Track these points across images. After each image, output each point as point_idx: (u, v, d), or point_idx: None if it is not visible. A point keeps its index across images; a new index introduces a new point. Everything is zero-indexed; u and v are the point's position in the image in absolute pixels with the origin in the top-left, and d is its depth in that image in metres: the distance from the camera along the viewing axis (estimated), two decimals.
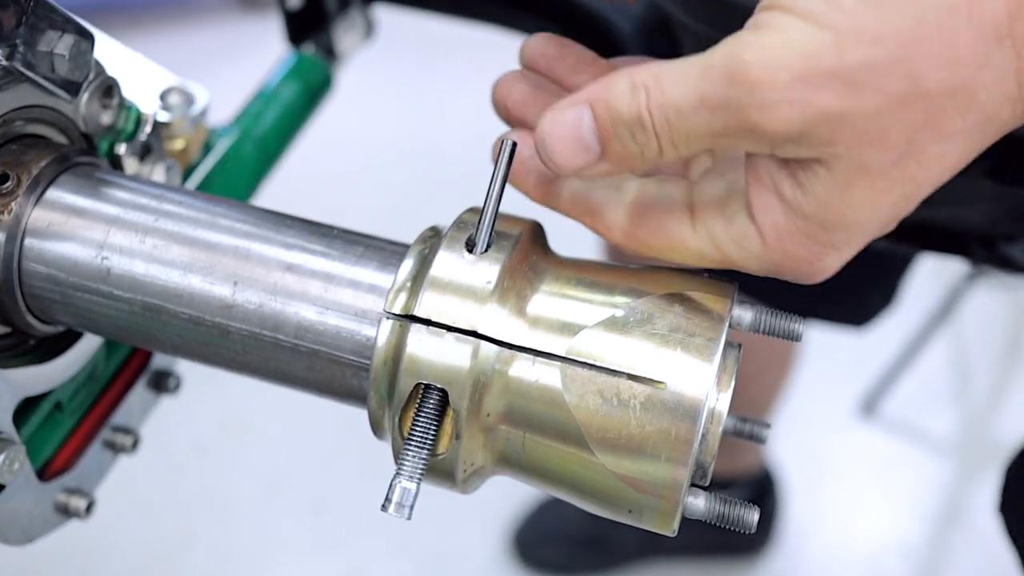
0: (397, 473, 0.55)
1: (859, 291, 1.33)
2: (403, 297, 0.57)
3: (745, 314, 0.58)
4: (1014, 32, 0.45)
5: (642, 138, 0.50)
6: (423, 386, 0.55)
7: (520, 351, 0.56)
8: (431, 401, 0.55)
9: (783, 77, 0.45)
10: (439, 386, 0.55)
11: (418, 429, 0.55)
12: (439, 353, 0.55)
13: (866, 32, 0.45)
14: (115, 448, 0.80)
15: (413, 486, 0.54)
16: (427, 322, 0.56)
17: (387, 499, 0.54)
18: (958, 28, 0.45)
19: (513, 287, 0.57)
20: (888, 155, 0.47)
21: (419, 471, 0.55)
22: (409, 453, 0.55)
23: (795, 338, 0.58)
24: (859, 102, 0.45)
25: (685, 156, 0.51)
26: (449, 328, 0.55)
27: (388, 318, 0.57)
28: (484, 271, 0.56)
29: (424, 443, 0.55)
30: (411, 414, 0.56)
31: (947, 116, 0.46)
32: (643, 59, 0.55)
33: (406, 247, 0.61)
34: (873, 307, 1.37)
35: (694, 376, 0.54)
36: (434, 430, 0.55)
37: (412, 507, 0.54)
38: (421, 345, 0.55)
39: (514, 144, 0.57)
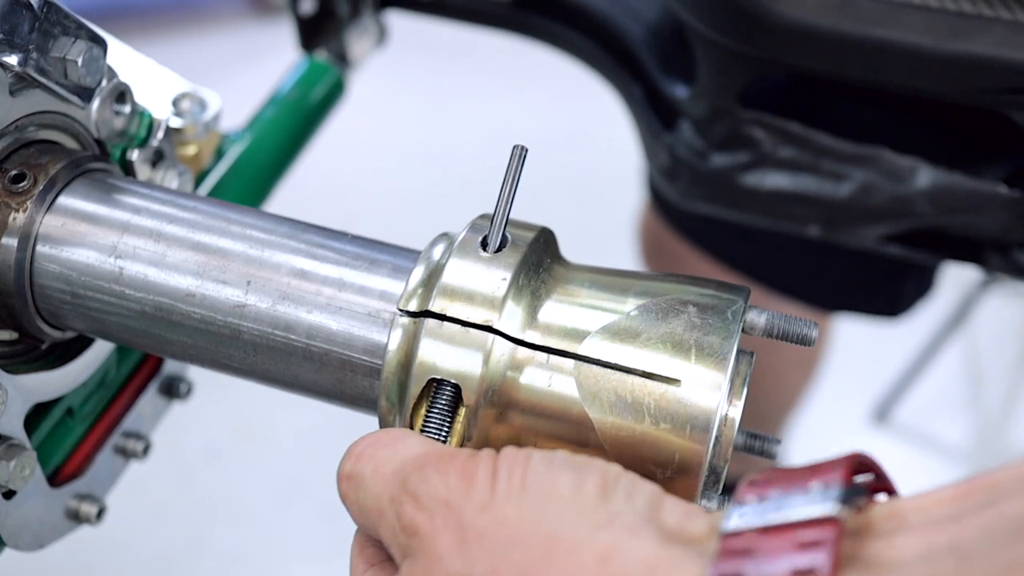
0: None
1: (893, 282, 1.32)
2: (417, 297, 0.57)
3: (758, 319, 0.57)
4: None
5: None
6: (435, 383, 0.55)
7: (534, 348, 0.56)
8: (443, 397, 0.55)
9: None
10: (452, 381, 0.55)
11: (431, 424, 0.55)
12: (453, 347, 0.55)
13: None
14: (126, 454, 0.80)
15: None
16: (442, 317, 0.55)
17: None
18: (550, 562, 0.44)
19: (528, 286, 0.57)
20: None
21: None
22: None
23: (808, 343, 0.58)
24: (448, 560, 0.46)
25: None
26: (463, 323, 0.55)
27: (402, 315, 0.57)
28: (499, 269, 0.56)
29: (436, 440, 0.54)
30: (423, 411, 0.56)
31: None
32: None
33: (418, 253, 0.61)
34: (908, 297, 1.36)
35: (707, 380, 0.54)
36: (447, 426, 0.55)
37: None
38: (435, 340, 0.55)
39: (525, 148, 0.57)
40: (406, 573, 0.48)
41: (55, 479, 0.74)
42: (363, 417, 0.65)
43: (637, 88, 1.03)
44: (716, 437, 0.54)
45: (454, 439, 0.55)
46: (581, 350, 0.55)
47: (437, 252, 0.59)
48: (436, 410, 0.55)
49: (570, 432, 0.55)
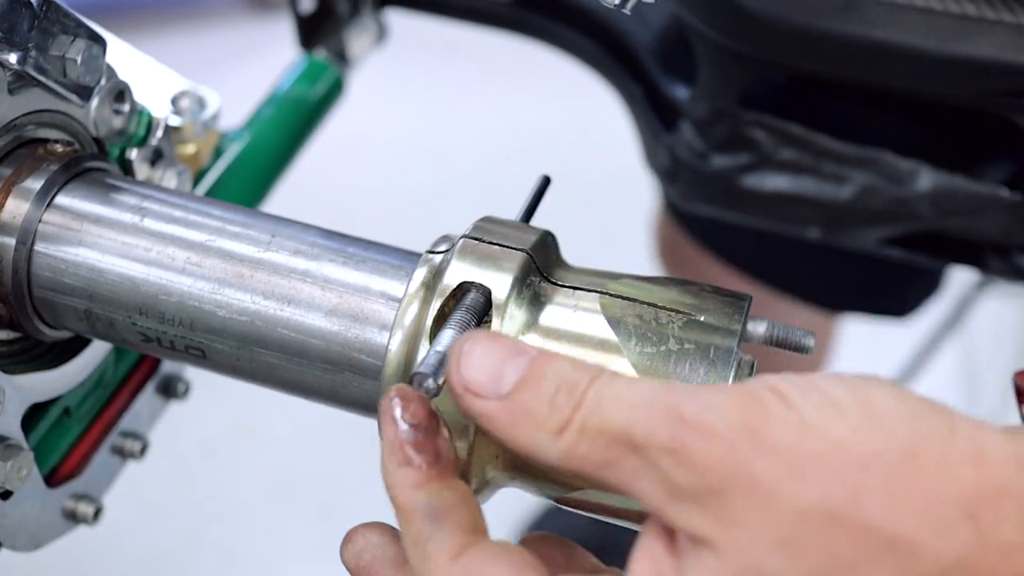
0: (432, 344, 0.52)
1: (901, 282, 1.33)
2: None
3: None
4: (981, 516, 0.41)
5: (561, 401, 0.46)
6: (464, 288, 0.55)
7: (560, 286, 0.57)
8: (471, 299, 0.55)
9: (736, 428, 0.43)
10: (483, 285, 0.55)
11: (455, 319, 0.54)
12: (486, 261, 0.56)
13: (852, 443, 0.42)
14: (123, 454, 0.80)
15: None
16: (477, 240, 0.57)
17: (422, 362, 0.51)
18: (921, 475, 0.41)
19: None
20: (791, 570, 0.41)
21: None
22: (448, 330, 0.53)
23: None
24: (793, 486, 0.41)
25: (571, 462, 0.46)
26: (500, 245, 0.57)
27: (432, 254, 0.59)
28: (525, 230, 0.58)
29: (463, 326, 0.53)
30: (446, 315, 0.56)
31: (877, 565, 0.41)
32: None
33: (418, 255, 0.61)
34: (915, 297, 1.36)
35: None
36: (473, 325, 0.54)
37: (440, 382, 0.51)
38: (468, 257, 0.56)
39: (549, 179, 0.61)
40: (716, 524, 0.42)
41: (52, 479, 0.74)
42: (359, 417, 0.65)
43: (637, 88, 1.03)
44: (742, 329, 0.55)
45: None
46: (605, 289, 0.57)
47: (438, 255, 0.59)
48: (464, 308, 0.54)
49: (594, 351, 0.55)
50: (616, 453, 0.44)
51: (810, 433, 0.42)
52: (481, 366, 0.47)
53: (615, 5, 0.65)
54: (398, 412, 0.49)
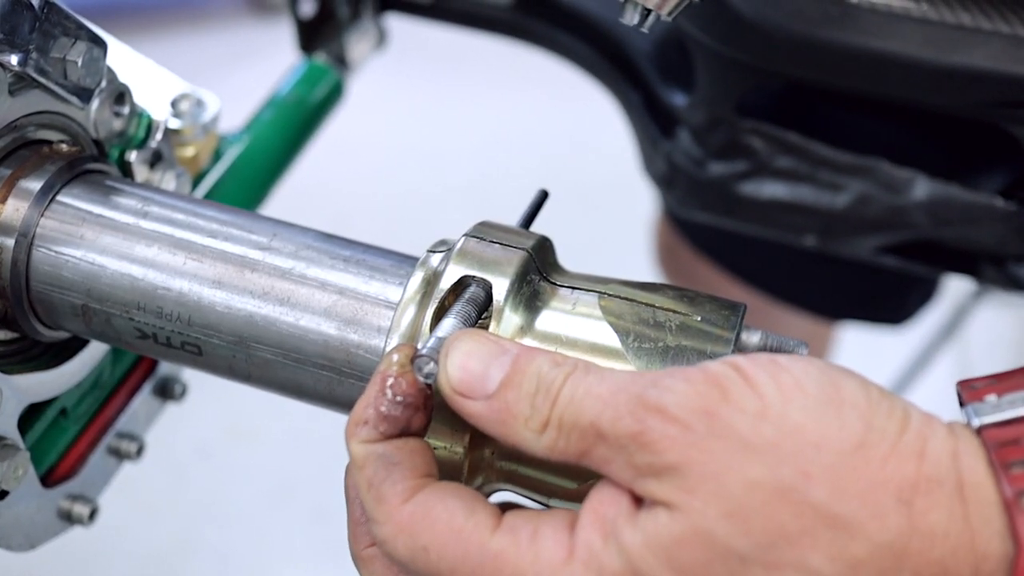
0: (434, 331, 0.52)
1: (898, 290, 1.33)
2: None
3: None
4: (914, 503, 0.44)
5: (539, 400, 0.48)
6: (465, 282, 0.56)
7: (559, 286, 0.58)
8: (471, 292, 0.55)
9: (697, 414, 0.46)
10: (484, 279, 0.55)
11: (459, 305, 0.54)
12: (487, 257, 0.56)
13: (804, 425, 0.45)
14: (119, 455, 0.80)
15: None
16: (479, 238, 0.58)
17: (424, 346, 0.51)
18: (868, 464, 0.44)
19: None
20: (739, 540, 0.44)
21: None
22: (449, 319, 0.53)
23: None
24: (745, 463, 0.44)
25: (555, 455, 0.48)
26: (501, 244, 0.57)
27: (433, 253, 0.59)
28: (523, 234, 0.59)
29: (464, 317, 0.54)
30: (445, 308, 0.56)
31: (814, 538, 0.43)
32: None
33: (416, 259, 0.61)
34: (912, 305, 1.37)
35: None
36: (473, 318, 0.54)
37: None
38: (471, 247, 0.57)
39: (547, 192, 0.61)
40: (673, 491, 0.45)
41: (48, 479, 0.74)
42: None
43: (635, 95, 1.04)
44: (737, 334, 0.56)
45: None
46: (603, 290, 0.57)
47: (436, 258, 0.59)
48: (464, 300, 0.55)
49: (591, 348, 0.55)
50: (588, 443, 0.47)
51: (768, 415, 0.45)
52: (467, 367, 0.50)
53: (634, 25, 0.66)
54: (390, 381, 0.51)
